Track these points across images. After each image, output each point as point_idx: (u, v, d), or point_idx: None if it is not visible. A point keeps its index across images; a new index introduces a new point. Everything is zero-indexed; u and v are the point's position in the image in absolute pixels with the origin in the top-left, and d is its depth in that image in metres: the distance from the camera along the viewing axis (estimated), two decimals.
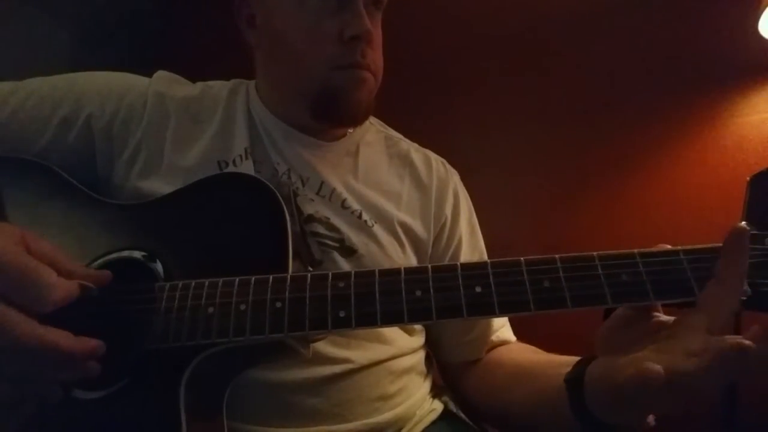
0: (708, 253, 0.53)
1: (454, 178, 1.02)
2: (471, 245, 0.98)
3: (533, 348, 0.90)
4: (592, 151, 1.90)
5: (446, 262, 0.94)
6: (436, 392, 0.93)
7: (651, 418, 0.55)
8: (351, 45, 0.82)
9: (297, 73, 0.86)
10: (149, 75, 0.90)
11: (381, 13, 0.89)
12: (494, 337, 0.91)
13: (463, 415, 0.92)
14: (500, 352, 0.91)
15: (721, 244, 0.53)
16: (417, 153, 1.00)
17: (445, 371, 0.97)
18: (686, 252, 0.54)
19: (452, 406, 0.92)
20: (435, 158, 1.02)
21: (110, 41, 2.23)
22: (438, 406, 0.90)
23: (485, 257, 1.00)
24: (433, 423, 0.87)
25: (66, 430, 0.59)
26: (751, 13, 1.51)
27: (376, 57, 0.86)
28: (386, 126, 1.05)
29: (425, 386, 0.90)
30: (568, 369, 0.63)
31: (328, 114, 0.87)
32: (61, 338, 0.52)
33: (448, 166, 1.03)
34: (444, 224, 0.95)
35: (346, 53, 0.82)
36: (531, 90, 2.01)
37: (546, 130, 1.96)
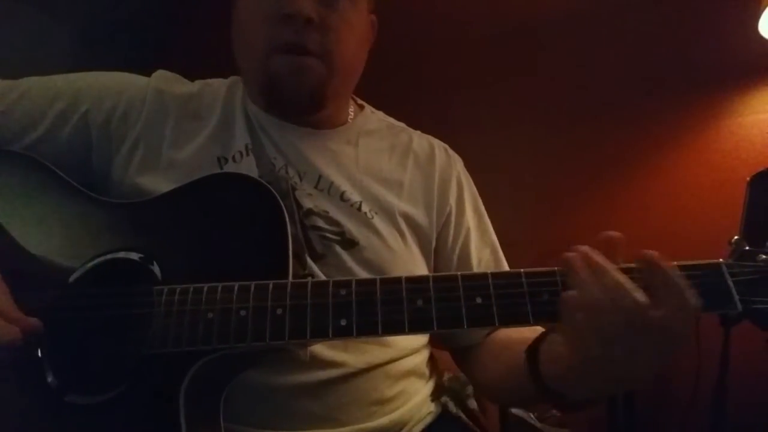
0: (704, 269, 0.55)
1: (458, 165, 0.99)
2: (480, 235, 0.96)
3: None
4: (592, 151, 1.90)
5: (456, 253, 0.93)
6: (435, 394, 0.91)
7: None
8: (285, 24, 0.78)
9: (247, 57, 0.85)
10: (149, 75, 0.90)
11: (348, 1, 0.83)
12: None
13: (463, 416, 0.91)
14: (496, 332, 0.89)
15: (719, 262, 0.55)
16: (420, 140, 0.98)
17: (456, 355, 0.95)
18: (683, 267, 0.55)
19: (451, 407, 0.91)
20: (438, 145, 1.00)
21: (110, 41, 2.23)
22: (436, 408, 0.89)
23: (497, 248, 0.97)
24: (431, 425, 0.86)
25: None
26: (751, 13, 1.51)
27: (328, 42, 0.81)
28: (388, 117, 1.04)
29: (426, 389, 0.89)
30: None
31: (275, 103, 0.85)
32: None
33: (451, 152, 1.01)
34: (449, 214, 0.92)
35: (280, 33, 0.78)
36: (531, 90, 2.01)
37: (546, 131, 1.97)
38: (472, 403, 0.98)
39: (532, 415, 1.65)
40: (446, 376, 0.99)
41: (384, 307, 0.56)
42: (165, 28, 2.28)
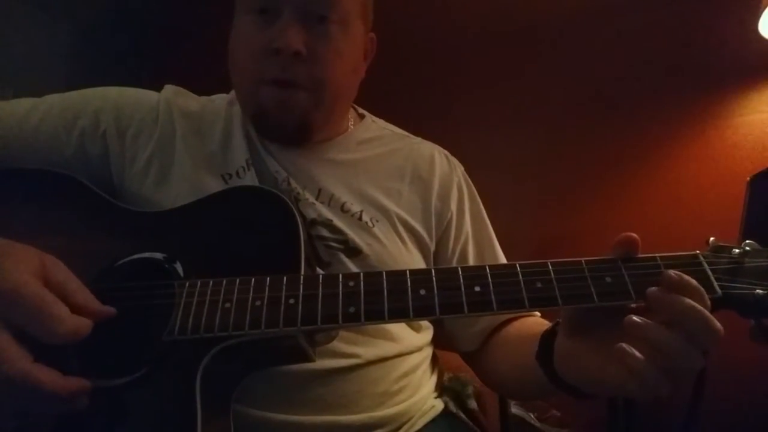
0: (684, 260, 0.58)
1: (458, 171, 1.02)
2: (479, 239, 0.98)
3: (535, 320, 0.90)
4: (592, 151, 1.91)
5: (456, 258, 0.95)
6: (438, 391, 0.95)
7: None
8: (273, 58, 0.80)
9: (238, 85, 0.88)
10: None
11: (334, 25, 0.83)
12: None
13: (463, 416, 0.94)
14: (502, 330, 0.92)
15: (696, 252, 0.58)
16: (420, 148, 1.00)
17: (466, 358, 0.98)
18: (663, 258, 0.58)
19: (451, 407, 0.94)
20: (439, 152, 1.02)
21: (110, 41, 2.23)
22: (439, 405, 0.92)
23: (497, 252, 0.99)
24: (433, 420, 0.89)
25: (86, 415, 0.62)
26: (751, 13, 1.53)
27: (317, 72, 0.82)
28: (389, 125, 1.06)
29: (429, 386, 0.92)
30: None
31: (266, 132, 0.89)
32: (47, 377, 0.56)
33: (452, 158, 1.03)
34: (450, 219, 0.95)
35: (268, 67, 0.81)
36: (531, 90, 2.02)
37: (546, 130, 1.98)
38: (472, 403, 1.01)
39: (532, 415, 1.65)
40: (446, 376, 1.02)
41: (390, 295, 0.60)
42: (165, 27, 2.29)
